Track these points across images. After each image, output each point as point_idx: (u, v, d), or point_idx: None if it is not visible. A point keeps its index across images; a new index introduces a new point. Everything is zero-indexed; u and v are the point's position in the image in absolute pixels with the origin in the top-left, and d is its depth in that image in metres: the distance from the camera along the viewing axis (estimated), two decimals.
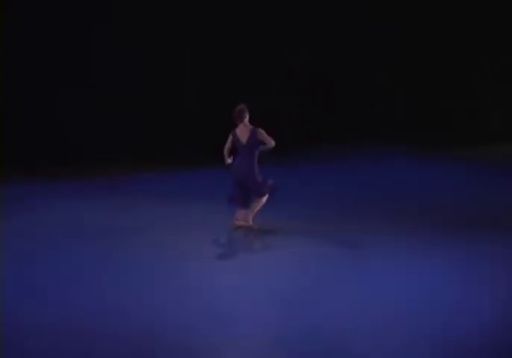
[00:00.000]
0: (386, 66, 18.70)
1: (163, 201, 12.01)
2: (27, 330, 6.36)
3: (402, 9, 18.55)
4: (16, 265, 8.28)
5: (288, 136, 15.76)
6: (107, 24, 16.56)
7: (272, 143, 9.60)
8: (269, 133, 9.70)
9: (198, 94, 17.38)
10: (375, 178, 14.20)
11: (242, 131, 9.70)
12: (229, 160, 9.80)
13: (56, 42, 16.06)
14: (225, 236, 9.69)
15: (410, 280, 7.65)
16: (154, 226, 10.14)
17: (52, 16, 15.95)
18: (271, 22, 17.56)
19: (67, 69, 16.24)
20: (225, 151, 9.83)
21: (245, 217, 9.81)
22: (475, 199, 11.95)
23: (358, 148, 17.81)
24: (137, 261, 8.48)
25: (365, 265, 8.21)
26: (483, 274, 7.86)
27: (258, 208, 9.81)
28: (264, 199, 9.80)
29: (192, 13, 17.09)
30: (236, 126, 9.75)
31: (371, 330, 6.32)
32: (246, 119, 9.74)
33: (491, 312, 6.66)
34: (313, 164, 16.14)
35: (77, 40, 16.27)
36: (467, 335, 6.11)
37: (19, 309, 6.84)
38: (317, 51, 18.19)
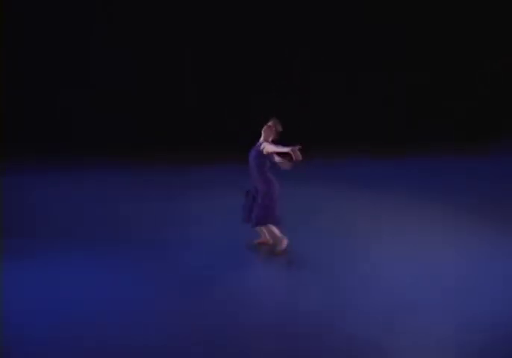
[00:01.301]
0: (386, 65, 18.67)
1: None
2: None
3: (402, 9, 18.52)
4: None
5: None
6: (107, 24, 16.56)
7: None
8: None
9: (198, 94, 17.38)
10: None
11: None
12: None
13: (56, 41, 16.08)
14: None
15: None
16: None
17: (52, 16, 15.97)
18: (271, 22, 17.54)
19: (67, 69, 16.26)
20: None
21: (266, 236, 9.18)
22: None
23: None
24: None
25: None
26: None
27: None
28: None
29: (192, 13, 17.09)
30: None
31: None
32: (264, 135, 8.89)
33: None
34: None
35: (78, 40, 16.28)
36: None
37: None
38: (317, 51, 18.17)
